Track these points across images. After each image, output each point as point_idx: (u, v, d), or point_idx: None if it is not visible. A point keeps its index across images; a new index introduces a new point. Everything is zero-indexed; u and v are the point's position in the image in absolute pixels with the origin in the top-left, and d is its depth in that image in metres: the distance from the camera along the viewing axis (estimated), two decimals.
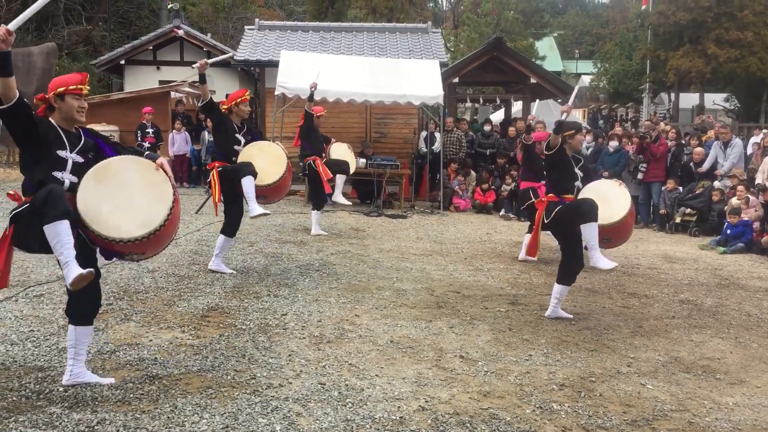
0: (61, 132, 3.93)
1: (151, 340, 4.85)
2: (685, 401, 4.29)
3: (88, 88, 4.03)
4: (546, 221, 5.92)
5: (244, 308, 5.77)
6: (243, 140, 7.06)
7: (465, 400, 4.10)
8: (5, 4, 19.78)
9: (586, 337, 5.51)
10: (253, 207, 6.77)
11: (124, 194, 3.89)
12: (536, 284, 7.39)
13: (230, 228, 7.03)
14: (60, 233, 3.61)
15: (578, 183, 6.04)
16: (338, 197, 10.09)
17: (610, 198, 5.99)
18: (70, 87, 3.90)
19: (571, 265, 5.84)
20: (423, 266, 7.94)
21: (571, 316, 5.99)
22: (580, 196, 5.93)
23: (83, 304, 3.89)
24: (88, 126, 4.30)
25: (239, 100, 7.07)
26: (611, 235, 6.04)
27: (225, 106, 7.15)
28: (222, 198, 6.90)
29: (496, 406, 4.04)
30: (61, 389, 3.93)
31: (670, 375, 4.76)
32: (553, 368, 4.75)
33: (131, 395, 3.90)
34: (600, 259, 5.68)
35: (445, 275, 7.54)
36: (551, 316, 5.97)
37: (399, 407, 3.94)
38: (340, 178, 10.04)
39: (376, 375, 4.42)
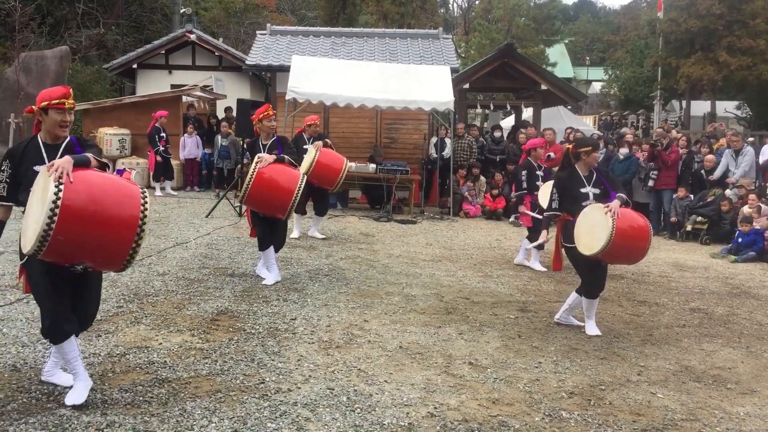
0: (41, 146, 3.84)
1: (160, 344, 4.87)
2: (695, 411, 4.26)
3: (72, 102, 3.84)
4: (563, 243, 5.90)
5: (254, 312, 5.78)
6: None
7: (474, 407, 4.09)
8: (20, 8, 19.90)
9: (596, 345, 5.49)
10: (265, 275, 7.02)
11: (33, 206, 3.59)
12: (546, 291, 7.37)
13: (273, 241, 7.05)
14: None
15: (589, 202, 5.76)
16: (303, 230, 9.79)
17: (596, 226, 5.51)
18: (53, 101, 3.76)
19: (588, 280, 5.81)
20: (432, 272, 7.93)
21: (581, 323, 5.93)
22: (576, 223, 5.67)
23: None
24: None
25: (261, 116, 7.01)
26: (608, 260, 5.76)
27: (254, 123, 7.14)
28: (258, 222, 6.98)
29: (505, 414, 4.02)
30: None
31: (680, 384, 4.73)
32: (563, 376, 4.73)
33: (140, 398, 3.91)
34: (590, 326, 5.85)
35: (454, 281, 7.53)
36: (560, 319, 6.03)
37: (408, 413, 3.93)
38: (297, 218, 9.62)
39: (385, 381, 4.42)
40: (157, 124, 14.07)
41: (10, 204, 3.92)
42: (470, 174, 13.88)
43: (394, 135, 15.46)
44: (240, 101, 12.48)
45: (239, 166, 12.99)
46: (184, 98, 16.35)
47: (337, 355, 4.86)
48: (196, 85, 17.16)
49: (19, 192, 3.84)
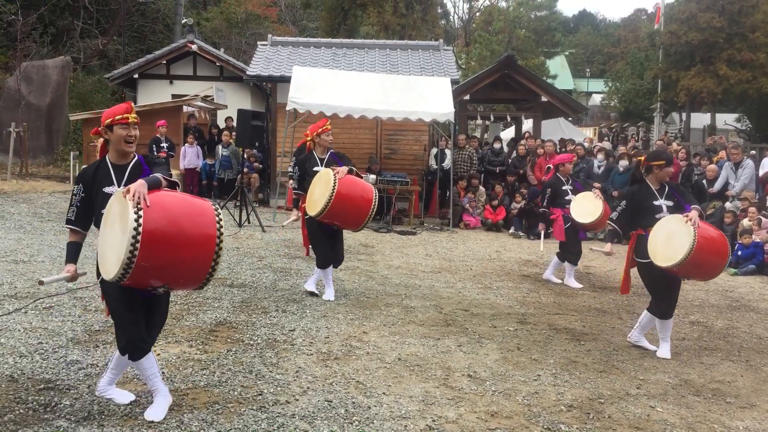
0: (110, 168, 3.92)
1: (159, 354, 4.85)
2: (694, 425, 4.24)
3: (135, 116, 3.94)
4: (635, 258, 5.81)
5: (252, 323, 5.77)
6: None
7: (472, 420, 4.07)
8: (22, 17, 19.98)
9: (595, 358, 5.47)
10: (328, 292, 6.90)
11: (112, 231, 3.57)
12: (545, 303, 7.35)
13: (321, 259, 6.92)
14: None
15: (663, 214, 5.65)
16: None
17: (675, 236, 5.35)
18: (116, 117, 3.87)
19: (660, 299, 5.71)
20: (432, 283, 7.92)
21: (654, 348, 5.77)
22: (651, 235, 5.55)
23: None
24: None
25: (320, 130, 6.91)
26: (684, 273, 5.59)
27: (309, 138, 7.05)
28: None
29: (503, 427, 4.01)
30: (68, 402, 3.94)
31: (679, 398, 4.71)
32: (562, 389, 4.71)
33: (138, 409, 3.90)
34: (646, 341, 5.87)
35: (453, 293, 7.52)
36: (632, 339, 5.93)
37: (406, 426, 3.91)
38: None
39: (384, 393, 4.40)
40: (157, 134, 14.09)
41: (78, 229, 3.96)
42: (470, 185, 13.89)
43: (395, 146, 15.48)
44: (241, 111, 12.51)
45: (240, 175, 13.01)
46: (185, 108, 16.39)
47: (336, 366, 4.85)
48: (197, 95, 17.21)
49: (92, 215, 3.90)
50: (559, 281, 8.50)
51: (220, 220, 3.60)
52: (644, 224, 5.70)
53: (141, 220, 3.36)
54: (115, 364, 4.00)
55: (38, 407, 3.87)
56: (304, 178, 6.91)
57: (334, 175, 6.36)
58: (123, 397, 4.04)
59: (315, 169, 6.81)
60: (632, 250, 5.85)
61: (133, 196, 3.41)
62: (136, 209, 3.38)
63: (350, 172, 6.59)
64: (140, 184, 3.48)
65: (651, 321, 5.81)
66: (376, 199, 6.60)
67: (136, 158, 3.99)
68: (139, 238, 3.33)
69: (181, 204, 3.65)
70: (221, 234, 3.58)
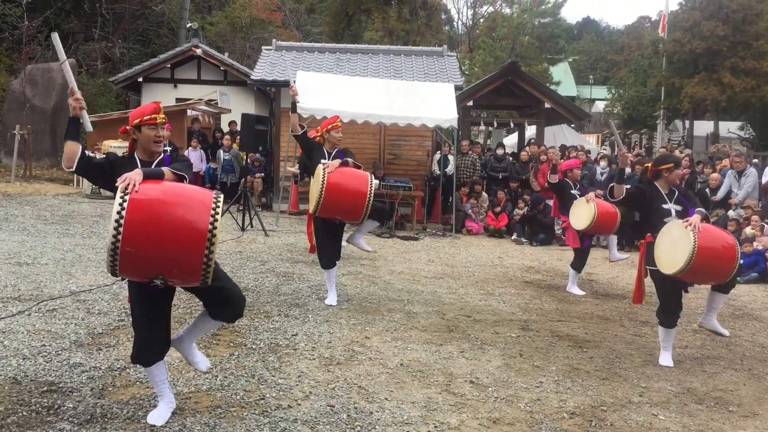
0: (138, 163, 3.86)
1: None
2: None
3: (163, 117, 3.90)
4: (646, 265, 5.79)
5: (255, 327, 5.77)
6: None
7: (474, 427, 4.07)
8: (28, 20, 20.05)
9: (598, 365, 5.47)
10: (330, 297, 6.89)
11: None
12: (547, 310, 7.35)
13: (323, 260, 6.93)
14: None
15: (671, 218, 5.65)
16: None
17: (677, 242, 5.33)
18: (145, 118, 3.84)
19: (665, 307, 5.71)
20: (434, 289, 7.92)
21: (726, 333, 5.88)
22: (656, 242, 5.55)
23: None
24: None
25: (330, 127, 6.98)
26: (692, 279, 5.57)
27: (318, 134, 7.09)
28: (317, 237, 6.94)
29: None
30: (71, 405, 3.94)
31: (682, 406, 4.71)
32: (564, 396, 4.71)
33: (141, 413, 3.90)
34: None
35: (456, 299, 7.52)
36: (662, 363, 5.71)
37: (408, 431, 3.92)
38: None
39: (386, 398, 4.40)
40: None
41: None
42: (473, 191, 13.91)
43: (398, 151, 15.50)
44: (245, 116, 12.53)
45: (243, 179, 13.04)
46: (189, 112, 16.43)
47: (338, 371, 4.85)
48: (201, 99, 17.24)
49: (94, 170, 3.86)
50: (584, 293, 8.42)
51: (217, 208, 3.50)
52: (653, 228, 5.69)
53: (125, 204, 3.33)
54: (195, 322, 4.09)
55: (41, 410, 3.87)
56: (310, 159, 7.07)
57: (324, 168, 6.42)
58: (201, 362, 4.17)
59: (321, 160, 6.84)
60: (643, 258, 5.84)
61: (123, 181, 3.39)
62: (122, 194, 3.36)
63: (345, 164, 6.60)
64: (135, 172, 3.47)
65: (720, 301, 6.10)
66: (372, 186, 6.49)
67: (161, 156, 3.99)
68: (122, 222, 3.30)
69: (174, 190, 3.58)
70: (215, 221, 3.46)
